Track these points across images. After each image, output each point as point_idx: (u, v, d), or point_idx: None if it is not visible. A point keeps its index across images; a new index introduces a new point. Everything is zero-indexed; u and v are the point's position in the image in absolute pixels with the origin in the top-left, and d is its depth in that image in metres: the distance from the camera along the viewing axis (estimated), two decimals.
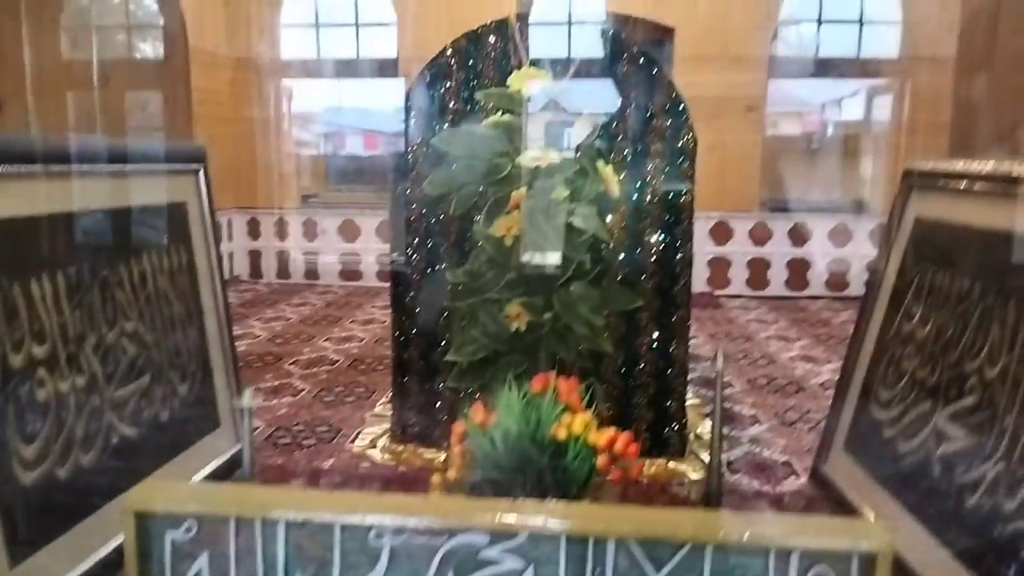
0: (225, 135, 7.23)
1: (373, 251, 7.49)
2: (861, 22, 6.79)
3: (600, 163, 2.25)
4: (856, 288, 7.02)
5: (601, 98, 2.81)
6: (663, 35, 6.93)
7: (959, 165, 1.63)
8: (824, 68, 7.18)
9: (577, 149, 2.27)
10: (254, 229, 7.56)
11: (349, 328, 5.71)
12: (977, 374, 1.40)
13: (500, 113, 2.21)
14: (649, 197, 2.78)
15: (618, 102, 2.79)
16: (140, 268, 1.05)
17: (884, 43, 6.77)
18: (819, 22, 6.91)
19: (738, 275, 7.13)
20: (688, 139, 2.84)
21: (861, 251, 7.00)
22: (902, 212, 1.89)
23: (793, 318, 6.17)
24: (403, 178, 2.90)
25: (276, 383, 4.28)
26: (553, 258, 2.19)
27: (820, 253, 7.05)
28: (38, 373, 0.91)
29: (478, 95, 2.37)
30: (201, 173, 1.20)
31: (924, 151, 6.71)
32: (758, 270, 7.12)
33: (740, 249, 7.08)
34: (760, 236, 7.09)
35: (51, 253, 0.95)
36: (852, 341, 2.02)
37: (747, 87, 6.82)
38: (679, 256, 2.88)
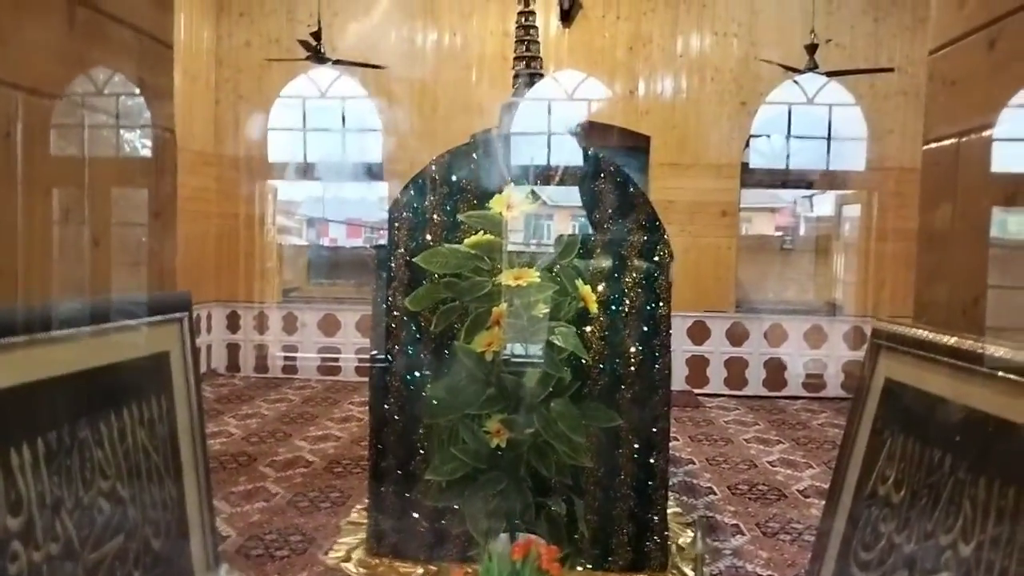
0: (209, 230, 7.31)
1: (352, 345, 7.48)
2: (829, 137, 7.11)
3: (579, 282, 2.32)
4: (833, 389, 7.09)
5: (579, 211, 2.91)
6: (640, 143, 7.22)
7: (925, 334, 1.67)
8: (795, 178, 7.47)
9: (554, 268, 2.34)
10: (233, 322, 7.54)
11: (326, 426, 5.63)
12: (952, 549, 1.40)
13: (483, 233, 2.28)
14: (627, 311, 2.84)
15: (596, 217, 2.89)
16: (120, 424, 1.05)
17: (852, 156, 7.07)
18: (788, 136, 7.23)
19: (716, 374, 7.17)
20: (664, 255, 2.92)
21: (836, 352, 7.11)
22: (872, 371, 1.91)
23: (772, 419, 6.19)
24: (385, 287, 2.95)
25: (250, 487, 4.19)
26: (533, 375, 2.22)
27: (796, 354, 7.14)
28: (11, 546, 0.89)
29: (460, 216, 2.45)
30: (185, 321, 1.22)
31: (892, 256, 6.92)
32: (736, 369, 7.18)
33: (718, 349, 7.16)
34: (737, 336, 7.18)
35: (30, 420, 0.95)
36: (829, 498, 2.02)
37: (721, 193, 7.06)
38: (657, 367, 2.92)
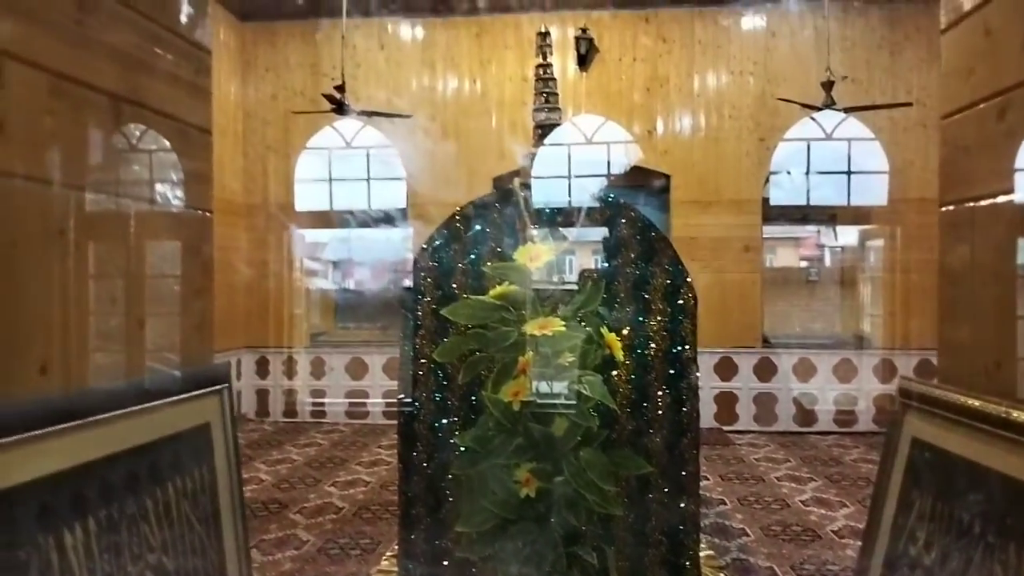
0: (239, 277, 7.46)
1: (380, 388, 7.53)
2: (849, 172, 7.12)
3: (604, 329, 2.35)
4: (864, 423, 6.99)
5: (602, 256, 2.96)
6: (660, 181, 7.29)
7: (950, 395, 1.67)
8: (817, 213, 7.47)
9: (581, 314, 2.38)
10: (263, 368, 7.64)
11: (355, 471, 5.66)
12: None
13: (507, 284, 2.33)
14: (652, 355, 2.86)
15: (618, 261, 2.93)
16: (165, 497, 1.10)
17: (872, 190, 7.07)
18: (807, 172, 7.25)
19: (745, 410, 7.11)
20: (688, 298, 2.95)
21: (867, 386, 7.02)
22: (900, 430, 1.91)
23: (803, 456, 6.11)
24: (412, 334, 3.00)
25: (281, 534, 4.22)
26: (561, 424, 2.24)
27: (826, 388, 7.07)
28: None
29: (486, 268, 2.50)
30: (225, 392, 1.27)
31: (919, 287, 6.86)
32: (765, 405, 7.11)
33: (746, 384, 7.11)
34: (765, 371, 7.13)
35: (82, 500, 1.00)
36: (860, 557, 2.00)
37: (743, 228, 7.08)
38: (684, 411, 2.92)
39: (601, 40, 7.34)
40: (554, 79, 3.14)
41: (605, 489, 2.18)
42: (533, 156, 3.04)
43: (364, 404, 7.55)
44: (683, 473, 2.91)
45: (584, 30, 7.12)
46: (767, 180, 7.24)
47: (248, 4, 7.46)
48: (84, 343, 1.09)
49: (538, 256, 2.28)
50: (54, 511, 0.92)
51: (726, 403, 7.14)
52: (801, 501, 4.84)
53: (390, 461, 5.98)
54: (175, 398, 1.12)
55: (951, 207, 1.96)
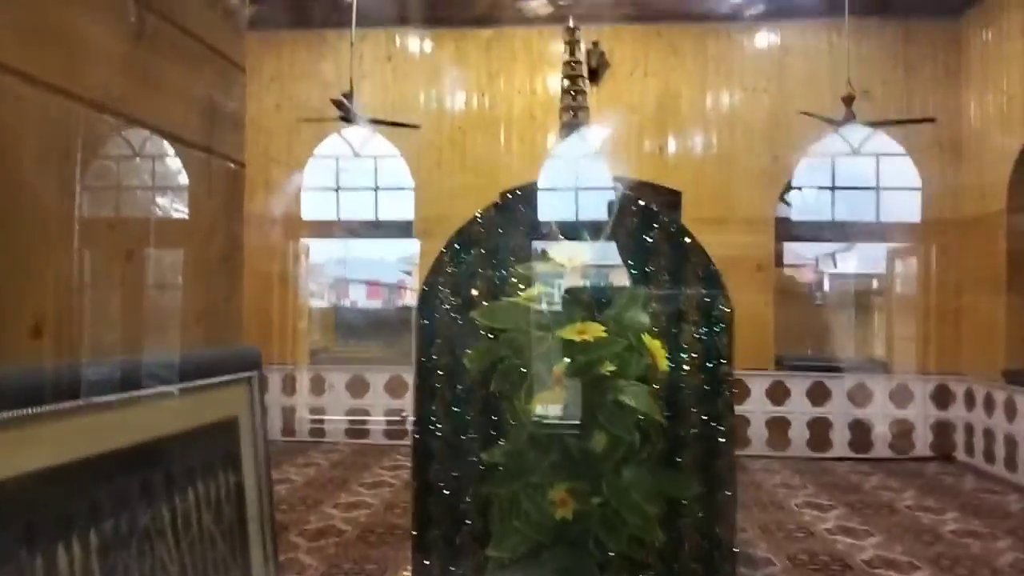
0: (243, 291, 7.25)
1: (381, 407, 7.31)
2: (878, 188, 6.98)
3: (646, 336, 2.17)
4: (881, 449, 6.78)
5: (633, 266, 2.78)
6: (671, 198, 7.13)
7: None
8: (838, 231, 7.31)
9: (620, 321, 2.20)
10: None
11: (357, 492, 5.43)
12: None
13: (539, 285, 2.15)
14: (687, 369, 2.68)
15: (649, 270, 2.76)
16: (184, 506, 0.90)
17: (885, 209, 6.94)
18: (832, 188, 7.12)
19: (758, 435, 6.90)
20: (725, 308, 2.77)
21: (883, 411, 6.82)
22: None
23: (821, 483, 5.90)
24: (428, 345, 2.81)
25: (282, 558, 3.97)
26: (600, 439, 2.05)
27: (841, 413, 6.87)
28: None
29: (519, 268, 2.32)
30: (255, 381, 1.07)
31: (938, 311, 6.72)
32: (778, 430, 6.91)
33: (759, 408, 6.90)
34: (778, 395, 6.93)
35: (83, 507, 0.80)
36: None
37: (755, 248, 6.91)
38: (721, 429, 2.74)
39: (612, 54, 7.23)
40: (583, 76, 2.99)
41: (648, 511, 1.99)
42: (559, 157, 2.87)
43: (365, 423, 7.32)
44: (718, 496, 2.71)
45: (595, 43, 7.01)
46: (782, 197, 7.10)
47: (253, 13, 7.34)
48: (84, 302, 0.91)
49: (576, 255, 2.10)
50: (45, 519, 0.73)
51: (738, 427, 6.93)
52: (825, 529, 4.62)
53: (393, 483, 5.75)
54: (199, 383, 0.93)
55: None
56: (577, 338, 1.98)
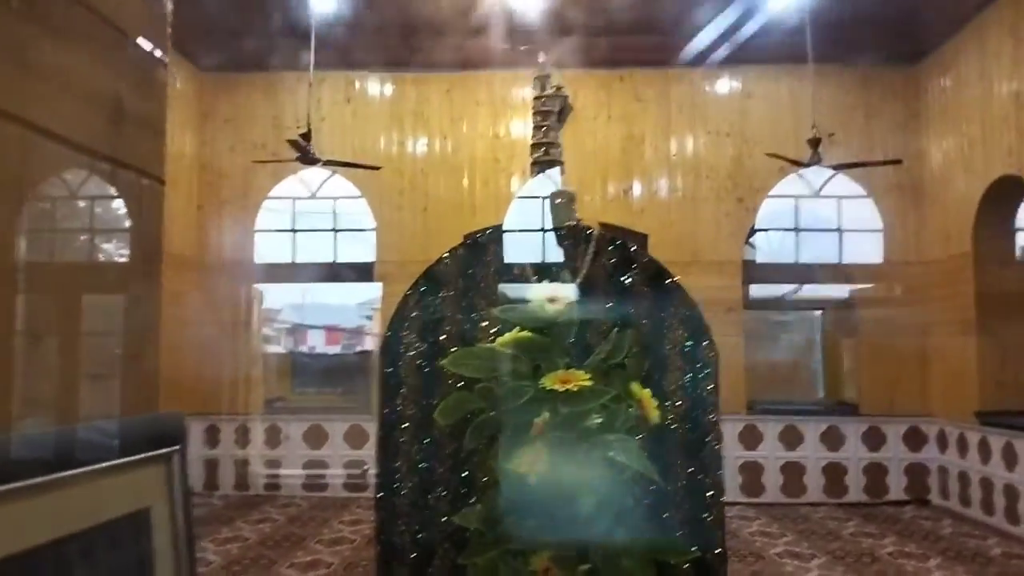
0: (189, 338, 6.91)
1: (341, 458, 6.96)
2: (840, 230, 7.00)
3: (635, 385, 1.98)
4: (855, 494, 6.66)
5: (612, 308, 2.61)
6: (637, 241, 7.05)
7: None
8: (802, 273, 7.30)
9: (606, 368, 2.01)
10: (212, 436, 7.02)
11: (315, 550, 5.08)
12: None
13: (519, 330, 1.96)
14: (672, 419, 2.50)
15: (630, 312, 2.59)
16: None
17: (848, 250, 6.95)
18: (796, 230, 7.12)
19: (731, 480, 6.72)
20: (710, 353, 2.61)
21: (856, 454, 6.72)
22: None
23: (799, 529, 5.72)
24: (392, 396, 2.59)
25: None
26: (588, 500, 1.85)
27: (813, 456, 6.74)
28: None
29: (495, 311, 2.12)
30: (176, 459, 0.81)
31: (905, 352, 6.70)
32: (752, 475, 6.75)
33: (731, 453, 6.73)
34: (751, 439, 6.79)
35: None
36: None
37: (724, 290, 6.84)
38: (708, 481, 2.55)
39: (576, 98, 7.15)
40: (553, 112, 2.85)
41: None
42: (530, 197, 2.71)
43: (323, 475, 6.96)
44: (707, 555, 2.51)
45: (559, 88, 6.95)
46: (747, 240, 7.07)
47: (208, 54, 7.14)
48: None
49: (558, 297, 1.92)
50: None
51: None
52: None
53: (354, 538, 5.41)
54: (94, 467, 0.70)
55: None
56: (560, 387, 1.79)
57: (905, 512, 6.35)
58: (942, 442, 6.50)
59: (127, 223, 1.06)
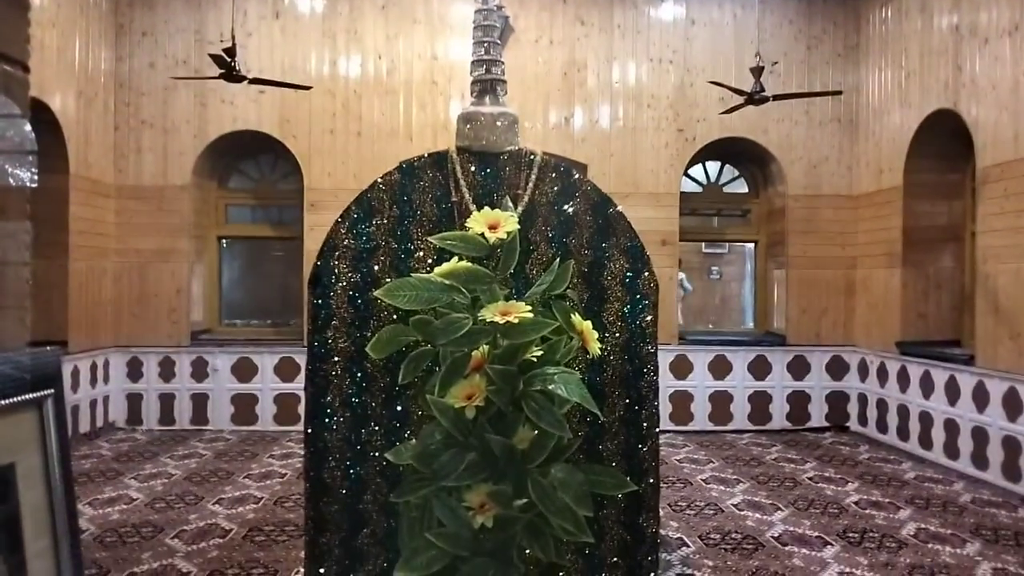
0: (106, 267, 6.56)
1: (271, 391, 6.81)
2: (762, 165, 7.01)
3: (576, 318, 1.91)
4: (779, 421, 6.90)
5: (553, 237, 2.52)
6: (577, 171, 6.94)
7: None
8: (732, 206, 7.35)
9: (547, 300, 1.93)
10: (135, 369, 6.76)
11: (243, 485, 4.98)
12: None
13: (456, 260, 1.85)
14: (609, 350, 2.46)
15: (570, 241, 2.51)
16: None
17: (785, 183, 6.99)
18: (722, 162, 7.11)
19: (661, 409, 6.85)
20: (651, 285, 2.57)
21: (782, 383, 6.93)
22: None
23: (725, 456, 5.91)
24: (322, 328, 2.47)
25: (155, 564, 3.54)
26: (525, 435, 1.78)
27: (741, 386, 6.93)
28: None
29: (433, 239, 1.99)
30: (49, 403, 0.68)
31: (831, 284, 6.87)
32: (681, 404, 6.91)
33: (663, 383, 6.86)
34: (681, 369, 6.93)
35: None
36: None
37: (661, 222, 6.85)
38: (645, 413, 2.54)
39: (517, 20, 6.93)
40: (496, 26, 2.68)
41: (580, 514, 1.75)
42: (471, 116, 2.56)
43: (253, 409, 6.81)
44: (642, 484, 2.51)
45: (499, 7, 6.67)
46: (686, 171, 7.05)
47: None
48: None
49: (499, 223, 1.81)
50: None
51: None
52: (734, 505, 4.58)
53: (284, 472, 5.33)
54: None
55: None
56: (500, 319, 1.70)
57: (825, 438, 6.63)
58: (863, 371, 6.76)
59: None
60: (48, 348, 0.80)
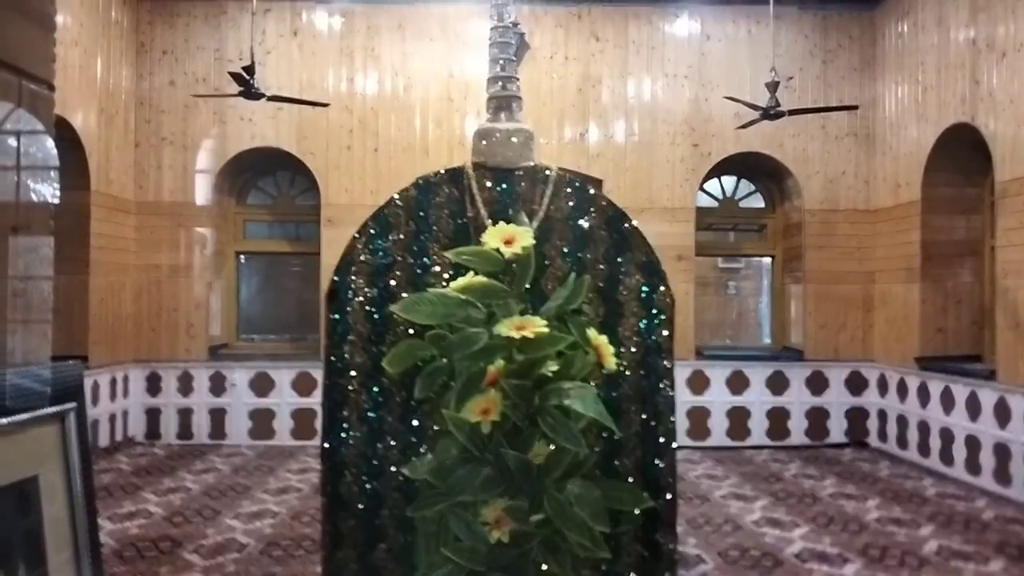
0: (126, 282, 6.64)
1: (288, 406, 6.84)
2: (778, 180, 6.99)
3: (592, 332, 1.92)
4: (797, 437, 6.83)
5: (569, 252, 2.53)
6: (592, 186, 6.95)
7: None
8: (746, 221, 7.32)
9: (563, 314, 1.93)
10: (154, 384, 6.82)
11: (261, 500, 5.00)
12: None
13: (472, 275, 1.86)
14: (626, 365, 2.46)
15: (586, 257, 2.52)
16: None
17: (800, 198, 6.97)
18: (738, 177, 7.10)
19: (678, 424, 6.83)
20: (666, 299, 2.57)
21: (801, 399, 6.87)
22: None
23: (743, 472, 5.86)
24: (339, 343, 2.49)
25: None
26: (542, 450, 1.79)
27: (759, 401, 6.88)
28: None
29: (449, 254, 2.01)
30: (71, 417, 0.70)
31: (849, 299, 6.82)
32: (699, 419, 6.87)
33: (680, 398, 6.82)
34: (698, 384, 6.89)
35: None
36: None
37: (676, 237, 6.84)
38: (661, 428, 2.53)
39: (532, 36, 6.97)
40: (511, 43, 2.70)
41: (597, 530, 1.74)
42: (488, 132, 2.58)
43: (270, 424, 6.84)
44: (660, 500, 2.50)
45: (515, 24, 6.72)
46: (702, 185, 7.05)
47: None
48: None
49: (514, 238, 1.82)
50: None
51: None
52: (752, 522, 4.54)
53: (301, 487, 5.35)
54: None
55: None
56: (516, 334, 1.71)
57: (844, 454, 6.55)
58: (883, 387, 6.69)
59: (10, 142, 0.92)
60: (70, 362, 0.82)
